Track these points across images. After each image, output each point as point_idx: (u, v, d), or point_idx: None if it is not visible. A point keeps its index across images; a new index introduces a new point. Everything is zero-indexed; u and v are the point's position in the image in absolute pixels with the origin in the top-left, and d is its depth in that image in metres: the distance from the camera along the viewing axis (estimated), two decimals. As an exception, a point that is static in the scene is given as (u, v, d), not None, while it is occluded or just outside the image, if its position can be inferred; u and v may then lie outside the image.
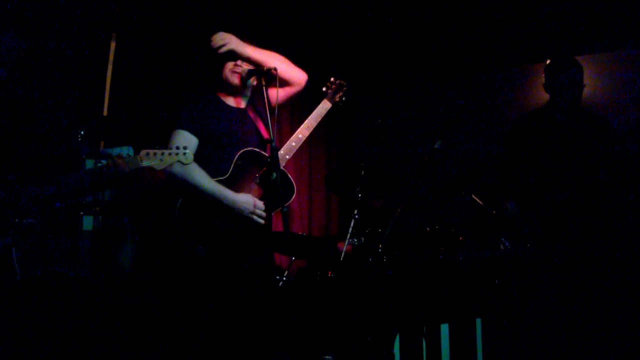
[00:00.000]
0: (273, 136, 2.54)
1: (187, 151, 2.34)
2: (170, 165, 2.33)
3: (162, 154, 2.29)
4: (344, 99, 3.01)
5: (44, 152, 2.69)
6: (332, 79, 3.02)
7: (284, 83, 2.85)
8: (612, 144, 3.04)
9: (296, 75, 2.88)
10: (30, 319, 2.45)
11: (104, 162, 2.27)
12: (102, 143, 3.34)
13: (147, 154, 2.29)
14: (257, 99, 2.90)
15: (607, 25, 4.28)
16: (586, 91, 3.22)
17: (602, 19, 4.22)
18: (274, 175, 2.50)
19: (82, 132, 2.88)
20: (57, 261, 2.79)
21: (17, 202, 2.17)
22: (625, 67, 4.38)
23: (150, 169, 2.29)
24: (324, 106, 2.94)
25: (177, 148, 2.33)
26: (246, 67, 2.77)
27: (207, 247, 2.56)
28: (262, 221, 2.67)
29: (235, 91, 2.87)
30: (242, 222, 2.65)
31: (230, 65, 2.81)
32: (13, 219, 2.17)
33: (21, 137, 2.65)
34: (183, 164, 2.35)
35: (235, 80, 2.81)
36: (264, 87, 2.67)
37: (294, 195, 2.78)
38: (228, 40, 2.67)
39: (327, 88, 3.00)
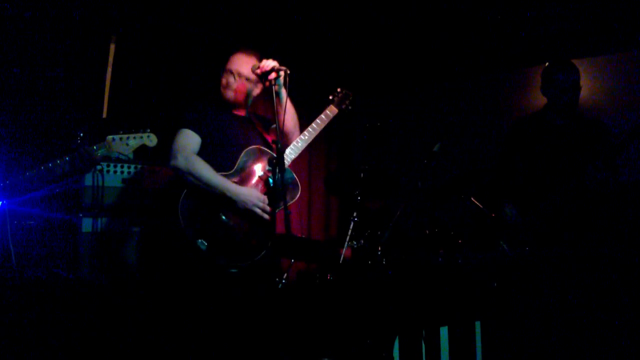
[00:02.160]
0: (280, 137, 2.56)
1: (151, 135, 2.35)
2: (135, 147, 2.36)
3: (128, 138, 2.32)
4: (349, 107, 3.16)
5: (44, 153, 2.68)
6: (338, 89, 3.17)
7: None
8: (610, 147, 3.04)
9: (290, 131, 2.94)
10: (30, 320, 2.44)
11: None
12: (101, 145, 3.34)
13: (114, 139, 2.31)
14: (257, 107, 2.93)
15: (606, 28, 4.28)
16: (585, 94, 3.22)
17: (601, 21, 4.22)
18: (277, 175, 2.51)
19: (82, 134, 2.88)
20: (56, 263, 2.79)
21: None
22: (624, 69, 4.39)
23: (119, 154, 2.31)
24: (331, 110, 3.06)
25: (142, 131, 2.34)
26: (264, 64, 2.77)
27: (209, 241, 2.56)
28: (266, 215, 2.68)
29: (233, 104, 2.90)
30: (246, 216, 2.66)
31: (223, 81, 2.85)
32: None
33: (21, 138, 2.65)
34: (148, 146, 2.37)
35: (230, 94, 2.85)
36: (274, 87, 2.69)
37: (299, 194, 2.83)
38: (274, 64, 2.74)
39: (334, 96, 3.14)
